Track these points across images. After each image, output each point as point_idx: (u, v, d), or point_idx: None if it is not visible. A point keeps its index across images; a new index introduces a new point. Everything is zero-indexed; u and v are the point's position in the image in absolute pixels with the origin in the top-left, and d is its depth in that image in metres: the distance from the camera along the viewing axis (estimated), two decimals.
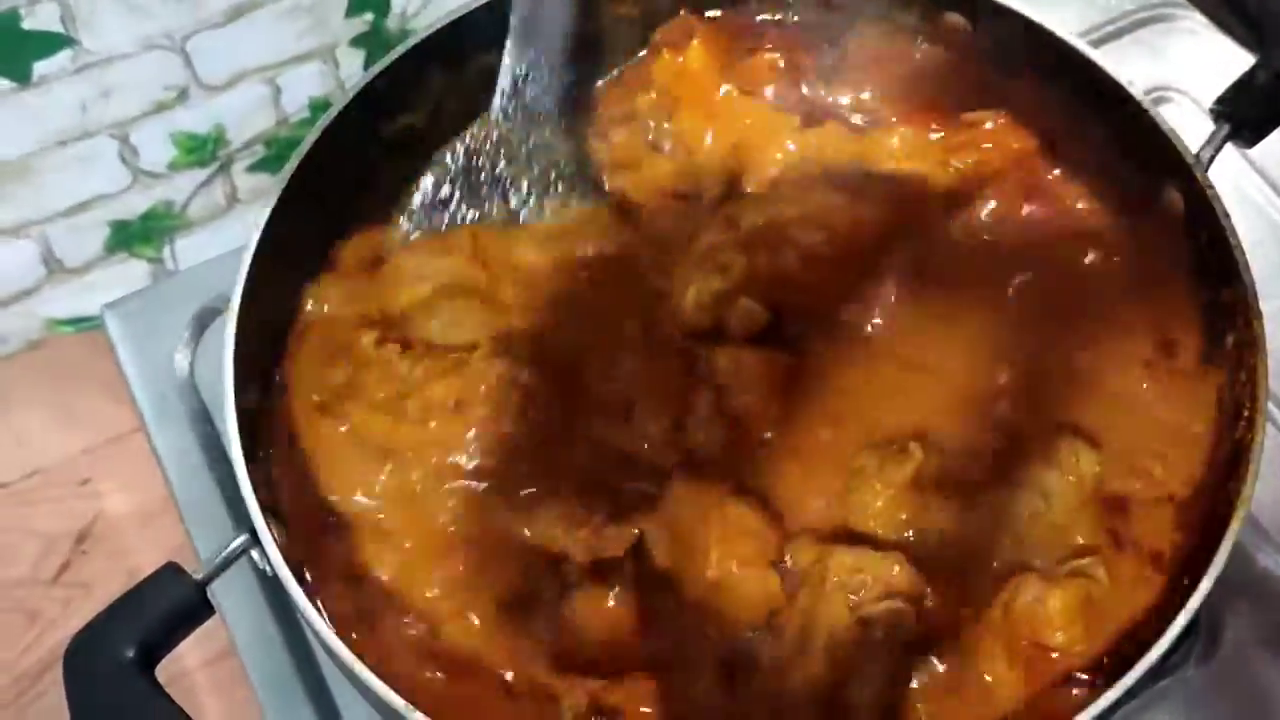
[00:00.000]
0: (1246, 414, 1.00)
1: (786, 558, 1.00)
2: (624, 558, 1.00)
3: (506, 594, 1.01)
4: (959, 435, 1.05)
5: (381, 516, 1.05)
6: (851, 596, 0.97)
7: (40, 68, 1.58)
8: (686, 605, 0.99)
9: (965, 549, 1.01)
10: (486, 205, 1.20)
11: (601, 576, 1.00)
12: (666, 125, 1.20)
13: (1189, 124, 1.13)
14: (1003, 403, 1.07)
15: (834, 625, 0.96)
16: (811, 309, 1.10)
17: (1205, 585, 0.93)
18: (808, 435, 1.06)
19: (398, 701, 0.90)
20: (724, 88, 1.22)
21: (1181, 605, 0.92)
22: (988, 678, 0.96)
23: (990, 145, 1.18)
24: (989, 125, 1.18)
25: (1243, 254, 1.04)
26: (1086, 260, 1.13)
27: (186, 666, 1.56)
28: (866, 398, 1.08)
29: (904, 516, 1.01)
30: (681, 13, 1.25)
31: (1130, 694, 0.90)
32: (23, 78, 1.58)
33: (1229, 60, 1.14)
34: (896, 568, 0.98)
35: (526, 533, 1.02)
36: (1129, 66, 1.14)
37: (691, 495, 1.02)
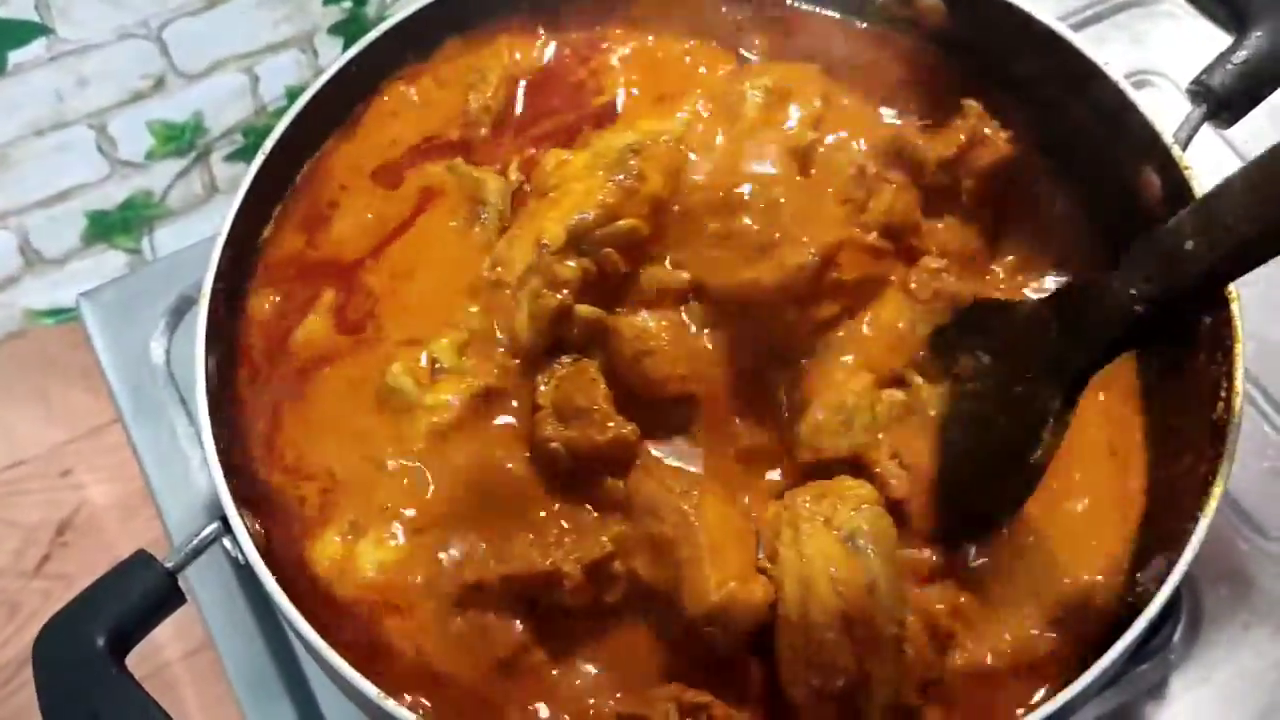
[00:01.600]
0: (1224, 394, 1.00)
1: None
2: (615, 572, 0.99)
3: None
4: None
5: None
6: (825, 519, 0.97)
7: (15, 57, 1.58)
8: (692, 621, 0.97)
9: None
10: None
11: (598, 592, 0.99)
12: None
13: (1170, 108, 1.12)
14: None
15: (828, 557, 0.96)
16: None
17: (1182, 565, 0.92)
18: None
19: (370, 689, 0.89)
20: None
21: (1159, 586, 0.92)
22: None
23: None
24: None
25: None
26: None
27: (166, 658, 1.56)
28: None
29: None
30: None
31: (1112, 679, 0.90)
32: None
33: (1210, 44, 1.13)
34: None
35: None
36: (1108, 50, 1.13)
37: (661, 494, 1.00)
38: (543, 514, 1.01)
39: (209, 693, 1.52)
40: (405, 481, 1.02)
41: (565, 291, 1.02)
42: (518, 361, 1.04)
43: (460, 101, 1.21)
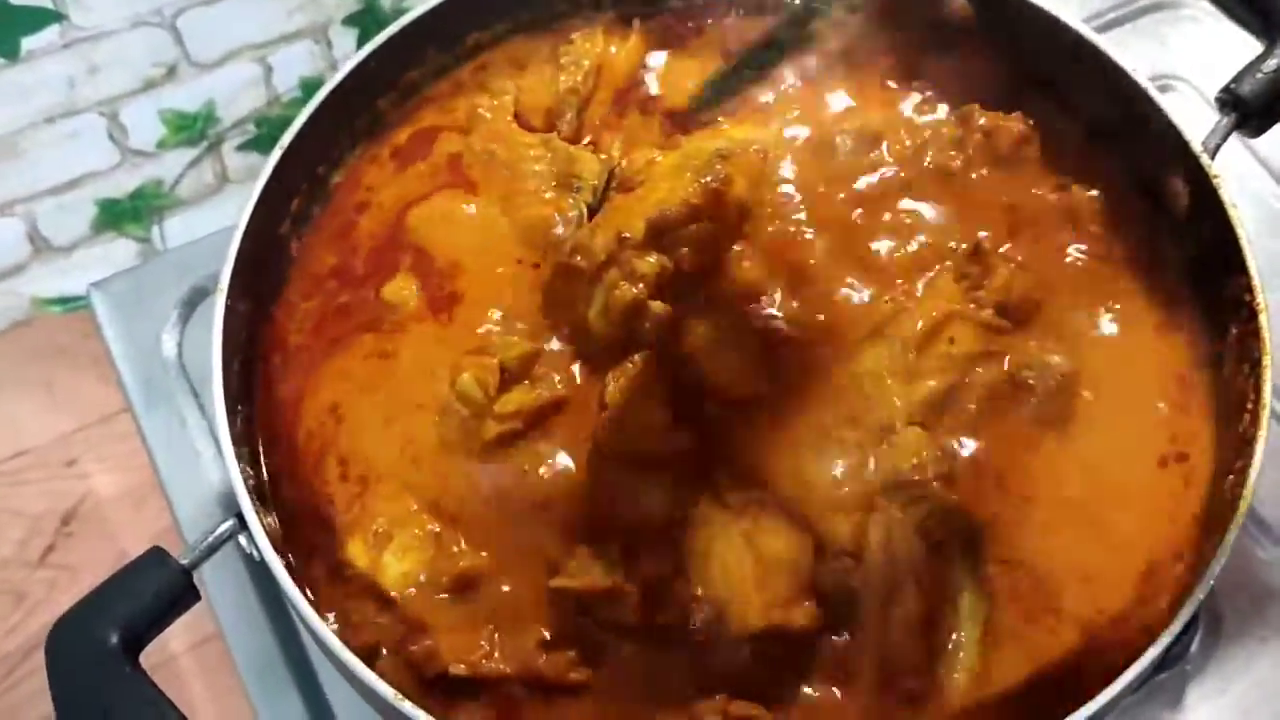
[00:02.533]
0: (1250, 406, 0.99)
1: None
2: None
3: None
4: None
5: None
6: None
7: (28, 43, 1.57)
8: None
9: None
10: None
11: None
12: None
13: (1192, 114, 1.11)
14: None
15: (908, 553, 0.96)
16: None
17: (1209, 578, 0.91)
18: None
19: (387, 691, 0.89)
20: None
21: (1185, 597, 0.91)
22: None
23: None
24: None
25: (1249, 245, 1.02)
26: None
27: (172, 651, 1.55)
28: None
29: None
30: None
31: (1132, 687, 0.89)
32: (11, 53, 1.57)
33: (1233, 50, 1.13)
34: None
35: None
36: (1131, 54, 1.12)
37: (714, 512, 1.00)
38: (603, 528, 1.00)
39: (217, 684, 1.51)
40: (452, 486, 1.02)
41: (641, 286, 1.02)
42: (584, 369, 1.05)
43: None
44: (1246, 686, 1.16)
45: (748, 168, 1.09)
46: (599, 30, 1.25)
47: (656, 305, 1.03)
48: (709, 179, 1.06)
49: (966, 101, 1.16)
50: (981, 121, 1.14)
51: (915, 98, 1.19)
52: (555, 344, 1.07)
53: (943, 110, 1.18)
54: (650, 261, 1.03)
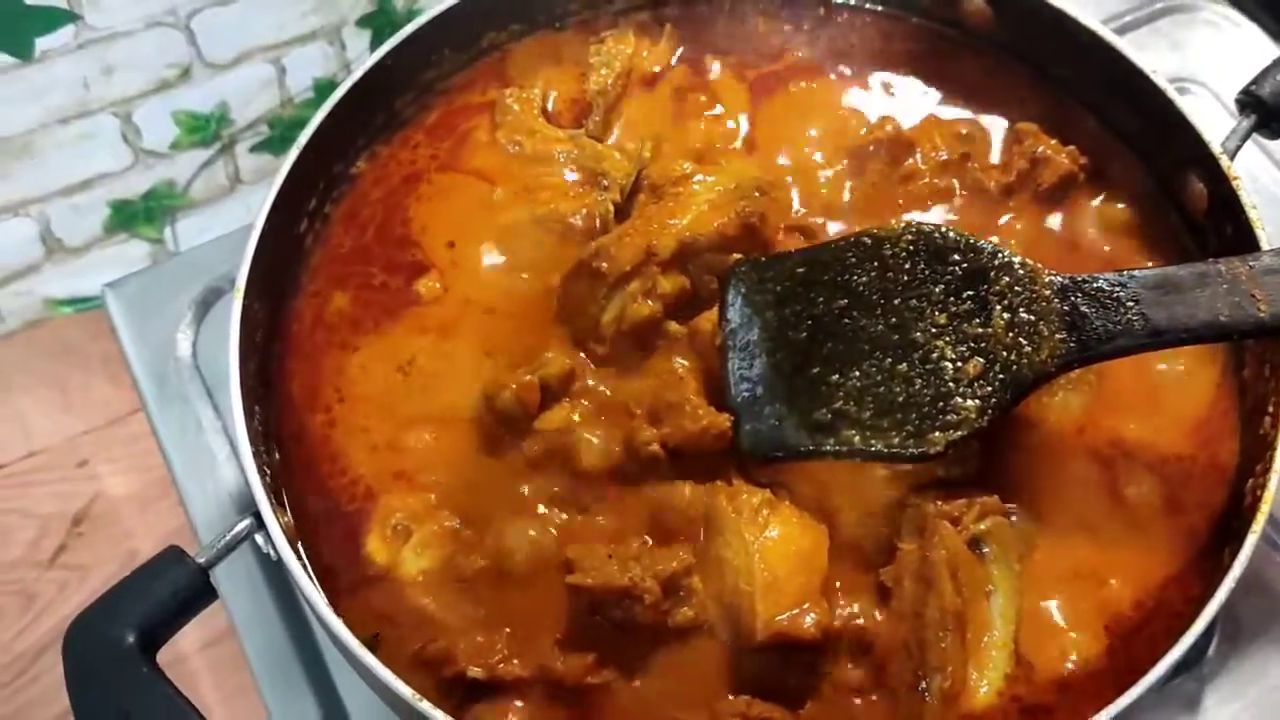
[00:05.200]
0: (1271, 410, 0.99)
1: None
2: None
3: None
4: None
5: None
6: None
7: (43, 43, 1.57)
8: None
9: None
10: None
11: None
12: None
13: (1209, 116, 1.11)
14: None
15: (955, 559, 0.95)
16: None
17: (1229, 582, 0.91)
18: None
19: (405, 691, 0.88)
20: None
21: (1205, 601, 0.91)
22: None
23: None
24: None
25: (1268, 245, 1.02)
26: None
27: (182, 651, 1.55)
28: None
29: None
30: None
31: (1155, 689, 0.89)
32: (25, 53, 1.56)
33: (1250, 52, 1.13)
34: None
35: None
36: (1148, 57, 1.12)
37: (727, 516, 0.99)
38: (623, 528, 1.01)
39: (227, 684, 1.51)
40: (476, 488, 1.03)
41: (658, 303, 1.05)
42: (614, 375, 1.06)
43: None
44: (1263, 690, 1.15)
45: (782, 203, 1.13)
46: (630, 31, 1.26)
47: (674, 326, 1.06)
48: (748, 211, 1.08)
49: (985, 105, 1.16)
50: (1039, 150, 1.14)
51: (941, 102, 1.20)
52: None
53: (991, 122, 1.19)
54: (673, 280, 1.05)
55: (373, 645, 0.96)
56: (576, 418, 1.04)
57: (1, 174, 1.66)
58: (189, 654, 1.53)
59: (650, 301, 1.05)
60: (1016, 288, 0.95)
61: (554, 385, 1.04)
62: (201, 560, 0.94)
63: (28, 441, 1.73)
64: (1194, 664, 1.15)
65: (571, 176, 1.17)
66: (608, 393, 1.05)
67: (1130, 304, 0.92)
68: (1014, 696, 0.95)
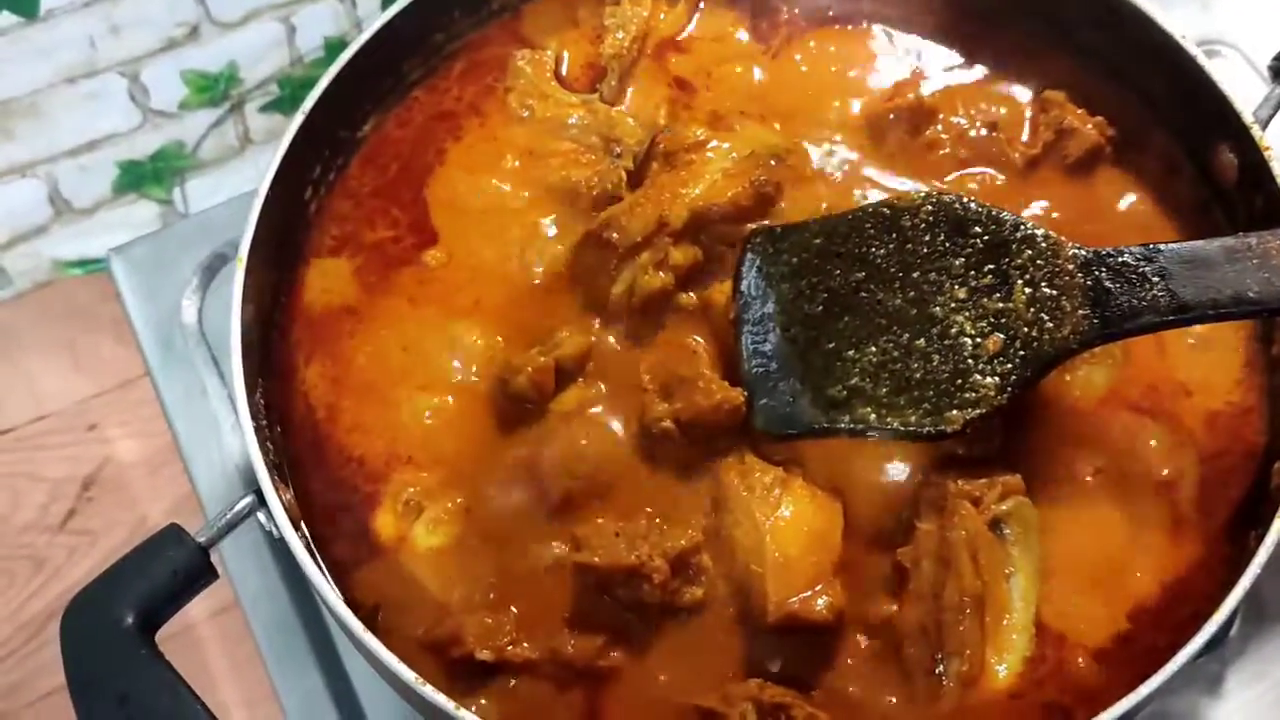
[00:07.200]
0: None
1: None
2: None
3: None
4: None
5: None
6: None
7: (48, 2, 1.55)
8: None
9: None
10: None
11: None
12: None
13: (1240, 81, 1.08)
14: None
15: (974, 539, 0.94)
16: None
17: (1255, 567, 0.89)
18: None
19: (408, 674, 0.87)
20: None
21: (1233, 583, 0.89)
22: None
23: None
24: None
25: None
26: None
27: (191, 618, 1.54)
28: None
29: None
30: None
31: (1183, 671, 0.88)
32: (30, 12, 1.55)
33: None
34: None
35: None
36: (1175, 16, 1.09)
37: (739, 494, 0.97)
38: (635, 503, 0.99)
39: (237, 653, 1.50)
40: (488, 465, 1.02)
41: (669, 275, 1.03)
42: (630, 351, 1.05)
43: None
44: None
45: (798, 170, 1.11)
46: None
47: (685, 298, 1.04)
48: (764, 180, 1.06)
49: (1009, 73, 1.13)
50: (1066, 121, 1.11)
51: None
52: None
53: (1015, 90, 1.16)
54: (685, 252, 1.04)
55: (372, 619, 0.94)
56: (597, 409, 1.03)
57: (8, 135, 1.64)
58: (198, 622, 1.53)
59: (662, 273, 1.03)
60: (1039, 261, 0.92)
61: (569, 366, 1.02)
62: (201, 539, 0.92)
63: (38, 405, 1.73)
64: (1217, 645, 1.14)
65: (583, 143, 1.14)
66: (622, 370, 1.04)
67: (1156, 279, 0.90)
68: (1034, 680, 0.93)
